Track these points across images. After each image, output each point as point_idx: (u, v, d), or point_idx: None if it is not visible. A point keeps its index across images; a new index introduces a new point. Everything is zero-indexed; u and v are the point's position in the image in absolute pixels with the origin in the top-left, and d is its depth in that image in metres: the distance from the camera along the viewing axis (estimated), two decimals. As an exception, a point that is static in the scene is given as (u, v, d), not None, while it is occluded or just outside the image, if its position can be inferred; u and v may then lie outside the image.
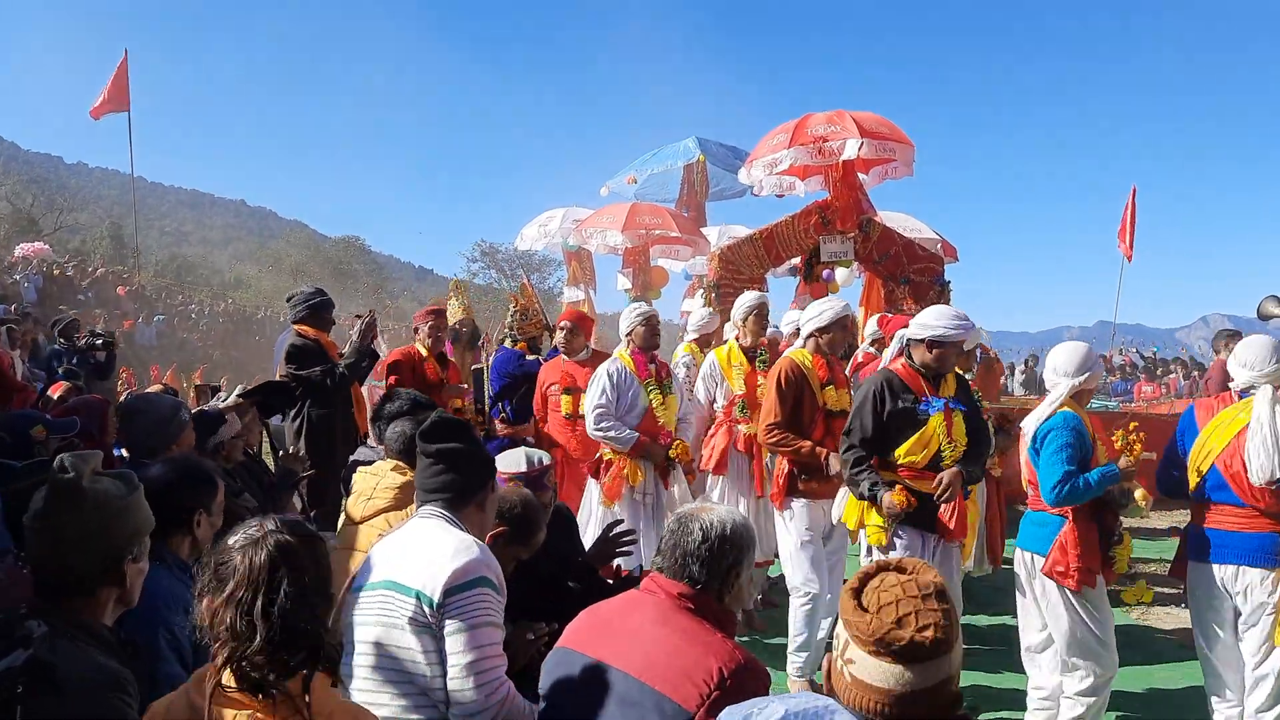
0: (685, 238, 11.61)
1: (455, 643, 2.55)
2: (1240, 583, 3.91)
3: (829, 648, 1.90)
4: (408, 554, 2.69)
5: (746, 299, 6.22)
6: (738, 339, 6.18)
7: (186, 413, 4.18)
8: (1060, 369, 4.10)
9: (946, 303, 9.11)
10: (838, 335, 5.13)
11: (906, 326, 6.80)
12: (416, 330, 6.64)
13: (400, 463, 4.01)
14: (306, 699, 1.91)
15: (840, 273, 9.53)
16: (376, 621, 2.65)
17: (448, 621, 2.55)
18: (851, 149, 8.40)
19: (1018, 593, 4.31)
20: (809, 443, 4.99)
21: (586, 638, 2.50)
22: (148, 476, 3.11)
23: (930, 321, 4.49)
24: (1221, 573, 3.95)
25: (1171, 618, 6.52)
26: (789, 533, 5.12)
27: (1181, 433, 4.15)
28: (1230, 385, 4.14)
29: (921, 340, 4.49)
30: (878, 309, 9.69)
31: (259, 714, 1.89)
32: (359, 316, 6.56)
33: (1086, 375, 4.05)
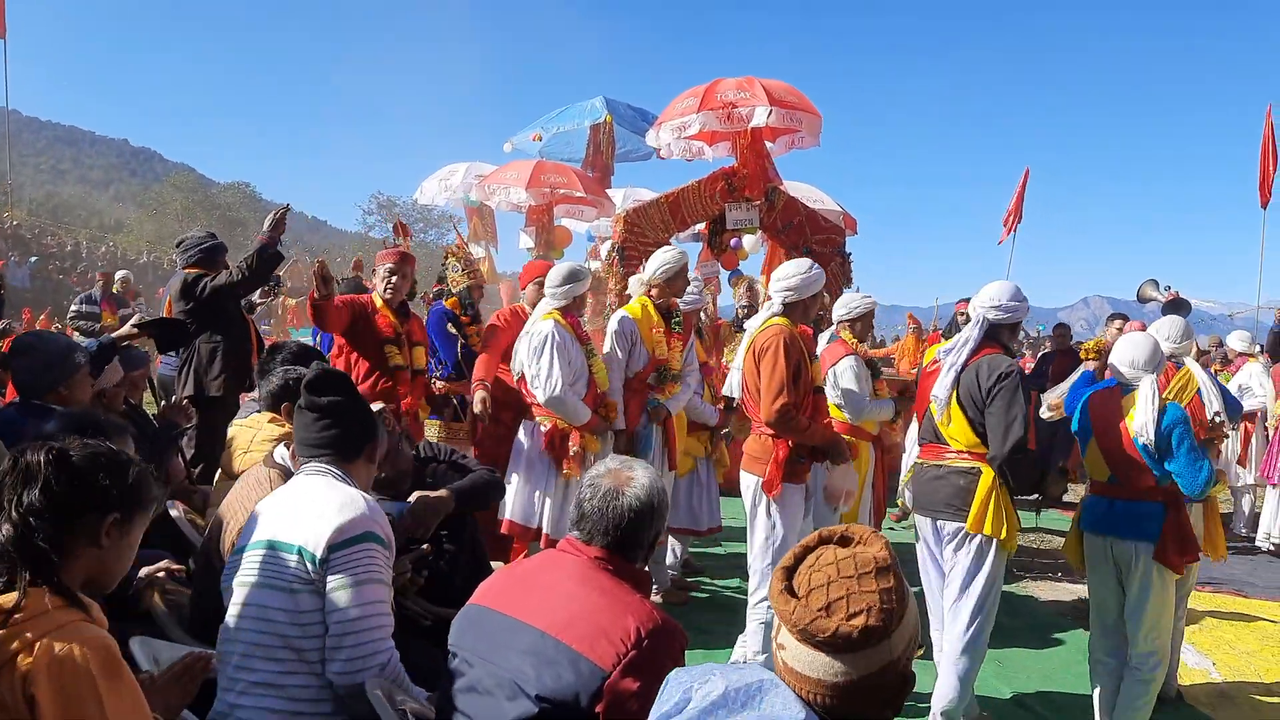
0: (590, 198, 11.50)
1: (338, 599, 2.46)
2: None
3: None
4: (290, 511, 2.59)
5: (667, 256, 5.70)
6: (650, 295, 5.71)
7: (83, 355, 3.94)
8: (1139, 364, 4.12)
9: (848, 274, 9.25)
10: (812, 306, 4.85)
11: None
12: (375, 272, 5.80)
13: (276, 414, 3.89)
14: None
15: (747, 240, 9.57)
16: (254, 583, 2.54)
17: (330, 578, 2.46)
18: (760, 116, 8.39)
19: (1103, 584, 4.22)
20: (827, 425, 4.74)
21: (501, 595, 2.44)
22: (41, 433, 2.94)
23: (1007, 301, 4.19)
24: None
25: (1058, 590, 6.78)
26: (779, 524, 4.59)
27: None
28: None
29: (1010, 324, 4.27)
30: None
31: None
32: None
33: (1160, 368, 4.17)
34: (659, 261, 5.68)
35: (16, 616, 1.85)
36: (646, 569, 2.52)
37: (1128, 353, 4.17)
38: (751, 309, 8.32)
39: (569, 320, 5.26)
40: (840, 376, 5.41)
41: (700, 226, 9.85)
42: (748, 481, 4.72)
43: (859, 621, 1.54)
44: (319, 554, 2.46)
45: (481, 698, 2.30)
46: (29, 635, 1.83)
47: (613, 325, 5.67)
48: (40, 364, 3.80)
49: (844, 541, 1.68)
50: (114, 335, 4.68)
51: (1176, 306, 10.77)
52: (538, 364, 5.09)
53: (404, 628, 2.96)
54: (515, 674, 2.23)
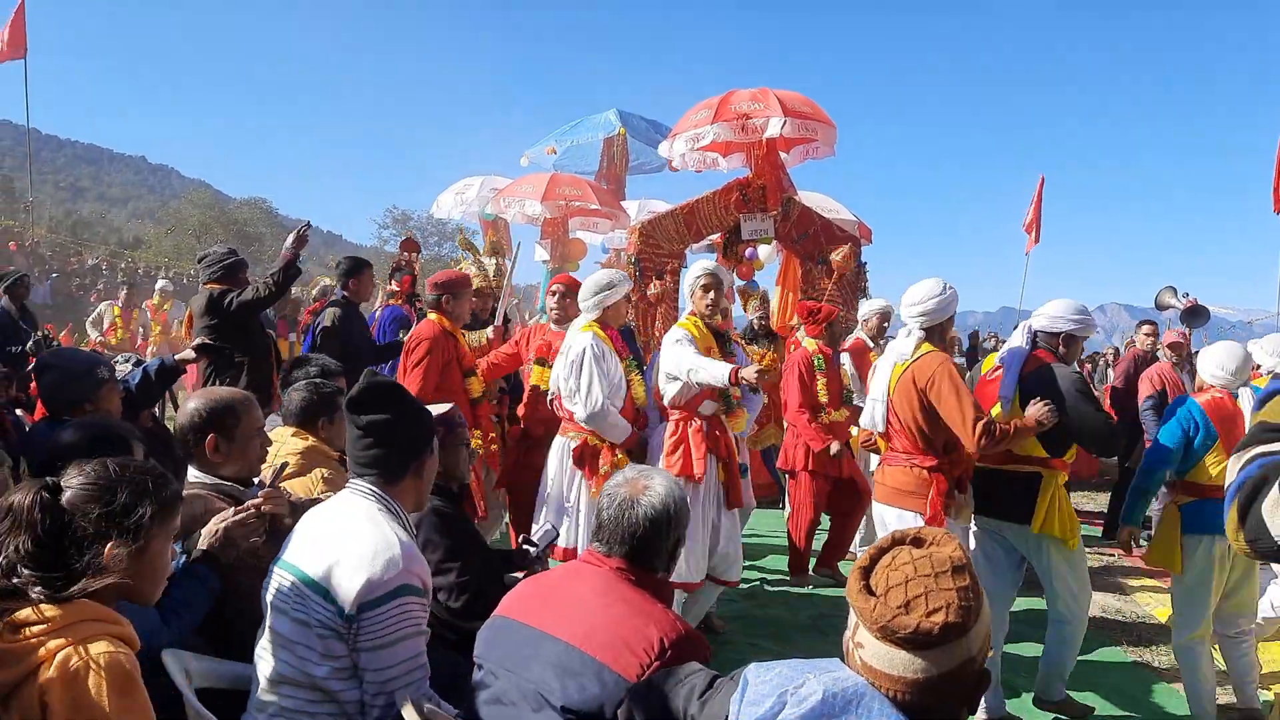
0: (605, 210, 11.53)
1: (373, 659, 2.43)
2: None
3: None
4: (326, 546, 2.52)
5: (694, 269, 5.22)
6: (693, 314, 5.15)
7: (106, 370, 3.97)
8: (1229, 369, 4.35)
9: (864, 283, 9.24)
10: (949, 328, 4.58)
11: (834, 316, 6.89)
12: (444, 301, 5.66)
13: (299, 429, 3.91)
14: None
15: (763, 250, 9.58)
16: (285, 615, 2.51)
17: (363, 637, 2.42)
18: (775, 127, 8.43)
19: (1221, 579, 4.45)
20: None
21: (526, 607, 2.45)
22: (58, 441, 2.99)
23: (1066, 314, 4.36)
24: None
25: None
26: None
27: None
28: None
29: (1058, 334, 4.37)
30: (794, 288, 9.78)
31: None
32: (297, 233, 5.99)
33: (1245, 379, 4.40)
34: (689, 276, 5.22)
35: (42, 627, 1.90)
36: (669, 578, 2.53)
37: (1218, 357, 4.38)
38: (764, 321, 8.32)
39: (608, 333, 5.08)
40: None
41: (715, 237, 9.87)
42: (899, 517, 4.40)
43: (939, 619, 1.56)
44: (348, 609, 2.41)
45: (507, 709, 2.31)
46: (53, 645, 1.87)
47: (673, 337, 5.04)
48: (62, 380, 3.86)
49: (917, 542, 1.69)
50: (177, 358, 4.79)
51: (1194, 314, 10.69)
52: (576, 379, 4.90)
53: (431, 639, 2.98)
54: (540, 685, 2.24)
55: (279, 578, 2.57)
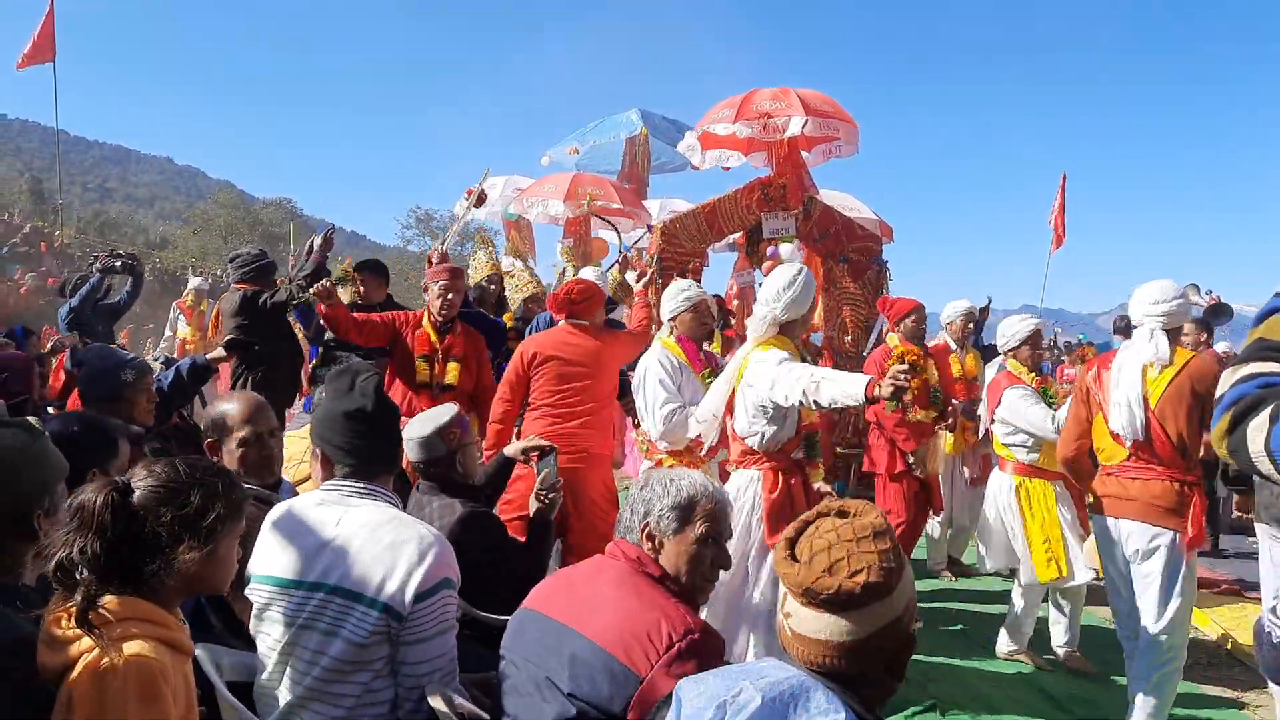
0: (627, 209, 11.55)
1: (412, 653, 2.42)
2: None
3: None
4: (356, 553, 2.45)
5: (794, 279, 4.14)
6: (787, 333, 4.26)
7: (132, 372, 3.99)
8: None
9: (885, 282, 9.22)
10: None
11: (907, 309, 6.64)
12: (426, 289, 5.61)
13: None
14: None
15: (785, 248, 9.58)
16: (322, 630, 2.44)
17: (407, 632, 2.40)
18: (796, 125, 8.43)
19: None
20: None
21: (550, 600, 2.48)
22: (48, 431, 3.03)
23: None
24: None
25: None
26: (1190, 589, 4.18)
27: None
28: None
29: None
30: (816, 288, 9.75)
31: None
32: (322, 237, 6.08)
33: None
34: (783, 286, 4.14)
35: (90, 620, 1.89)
36: (696, 588, 2.48)
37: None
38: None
39: (685, 347, 5.00)
40: (1012, 411, 5.04)
41: (736, 236, 9.88)
42: (1153, 535, 4.12)
43: (860, 579, 1.64)
44: (405, 610, 2.39)
45: (523, 699, 2.35)
46: (87, 641, 1.87)
47: (773, 359, 4.03)
48: (91, 377, 3.96)
49: (841, 514, 1.77)
50: (208, 356, 4.89)
51: (1217, 312, 10.60)
52: (641, 400, 4.92)
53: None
54: (553, 675, 2.28)
55: (295, 595, 2.49)
